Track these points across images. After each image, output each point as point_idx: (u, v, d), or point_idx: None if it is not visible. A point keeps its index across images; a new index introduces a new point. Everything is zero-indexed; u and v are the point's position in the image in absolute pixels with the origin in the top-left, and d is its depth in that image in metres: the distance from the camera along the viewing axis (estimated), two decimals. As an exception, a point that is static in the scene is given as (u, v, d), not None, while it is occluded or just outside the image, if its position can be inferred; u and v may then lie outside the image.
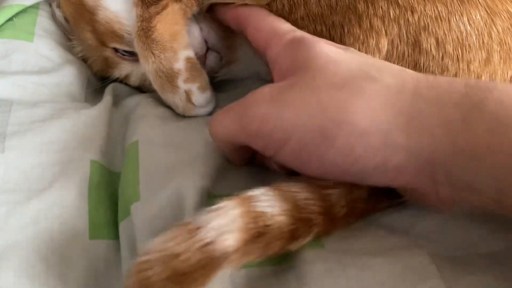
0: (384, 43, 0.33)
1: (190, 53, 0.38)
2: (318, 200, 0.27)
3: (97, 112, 0.39)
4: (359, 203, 0.29)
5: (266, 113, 0.28)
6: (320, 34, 0.35)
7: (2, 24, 0.44)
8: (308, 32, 0.35)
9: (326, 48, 0.30)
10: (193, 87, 0.38)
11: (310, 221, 0.27)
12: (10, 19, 0.45)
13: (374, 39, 0.33)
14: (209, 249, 0.23)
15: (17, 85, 0.39)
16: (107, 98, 0.42)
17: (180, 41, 0.38)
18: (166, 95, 0.39)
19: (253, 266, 0.28)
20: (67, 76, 0.43)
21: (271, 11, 0.37)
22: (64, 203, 0.33)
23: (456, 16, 0.32)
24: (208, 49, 0.41)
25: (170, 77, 0.38)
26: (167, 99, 0.39)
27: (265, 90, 0.29)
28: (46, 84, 0.41)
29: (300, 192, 0.27)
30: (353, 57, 0.29)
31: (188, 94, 0.38)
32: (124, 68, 0.44)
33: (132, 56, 0.43)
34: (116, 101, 0.43)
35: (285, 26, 0.34)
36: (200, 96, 0.38)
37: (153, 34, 0.37)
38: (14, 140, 0.34)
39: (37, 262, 0.30)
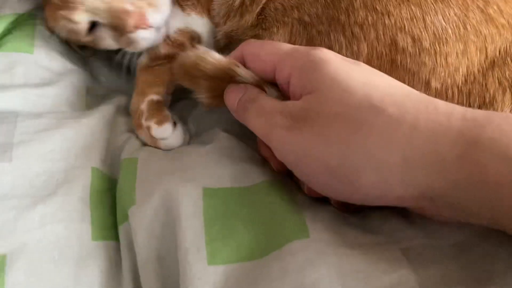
0: (364, 47, 0.38)
1: (155, 96, 0.46)
2: None
3: (96, 122, 0.45)
4: None
5: (284, 138, 0.33)
6: (311, 38, 0.40)
7: (2, 37, 0.49)
8: (301, 35, 0.40)
9: (333, 69, 0.32)
10: (151, 123, 0.45)
11: None
12: (9, 32, 0.50)
13: (356, 45, 0.38)
14: None
15: (21, 97, 0.45)
16: (108, 107, 0.48)
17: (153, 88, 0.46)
18: (138, 131, 0.47)
19: (242, 260, 0.32)
20: (67, 86, 0.49)
21: (263, 16, 0.43)
22: (67, 208, 0.38)
23: (431, 15, 0.37)
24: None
25: (138, 116, 0.46)
26: (139, 135, 0.47)
27: (283, 120, 0.33)
28: (47, 95, 0.47)
29: None
30: (359, 77, 0.32)
31: (148, 129, 0.45)
32: None
33: None
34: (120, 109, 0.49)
35: (286, 47, 0.36)
36: (157, 129, 0.45)
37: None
38: (20, 149, 0.40)
39: (44, 262, 0.35)
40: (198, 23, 0.48)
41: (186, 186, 0.37)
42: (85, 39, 0.47)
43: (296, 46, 0.36)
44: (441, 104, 0.30)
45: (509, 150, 0.26)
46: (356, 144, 0.30)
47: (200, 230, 0.34)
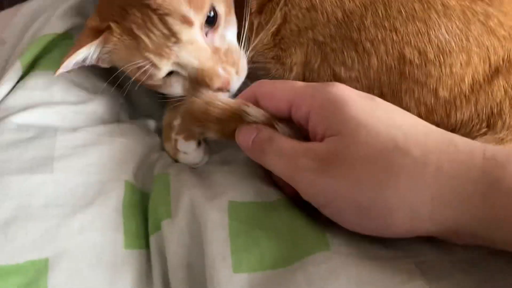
0: (374, 61, 0.41)
1: None
2: None
3: (129, 140, 0.49)
4: None
5: (312, 180, 0.34)
6: (326, 55, 0.44)
7: (42, 56, 0.54)
8: (316, 54, 0.44)
9: (355, 110, 0.34)
10: (179, 137, 0.49)
11: None
12: (49, 51, 0.54)
13: (367, 59, 0.41)
14: None
15: (60, 114, 0.49)
16: (140, 126, 0.52)
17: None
18: (165, 142, 0.51)
19: (266, 268, 0.35)
20: (101, 104, 0.53)
21: (279, 37, 0.46)
22: (103, 217, 0.42)
23: (435, 29, 0.39)
24: None
25: (169, 130, 0.50)
26: (165, 146, 0.51)
27: (309, 163, 0.34)
28: (83, 112, 0.51)
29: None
30: (381, 118, 0.34)
31: (175, 142, 0.49)
32: None
33: None
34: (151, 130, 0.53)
35: (299, 85, 0.38)
36: (183, 143, 0.48)
37: None
38: (61, 162, 0.44)
39: (83, 266, 0.38)
40: None
41: (213, 200, 0.40)
42: (155, 82, 0.48)
43: (309, 83, 0.38)
44: (460, 142, 0.32)
45: None
46: (388, 185, 0.32)
47: (226, 240, 0.37)
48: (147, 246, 0.42)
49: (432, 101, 0.40)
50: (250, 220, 0.39)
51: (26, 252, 0.38)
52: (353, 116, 0.34)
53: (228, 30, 0.48)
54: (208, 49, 0.46)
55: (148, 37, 0.45)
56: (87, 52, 0.48)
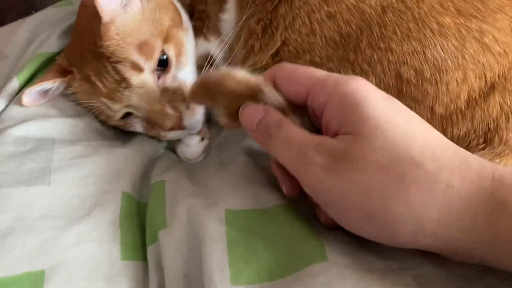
0: (372, 80, 0.42)
1: None
2: None
3: (127, 151, 0.49)
4: None
5: (320, 178, 0.33)
6: None
7: (38, 73, 0.55)
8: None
9: (375, 111, 0.33)
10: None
11: None
12: (44, 67, 0.56)
13: (365, 78, 0.41)
14: None
15: (57, 126, 0.50)
16: (137, 137, 0.52)
17: None
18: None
19: (264, 280, 0.35)
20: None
21: (278, 57, 0.47)
22: (100, 229, 0.42)
23: (430, 48, 0.40)
24: None
25: None
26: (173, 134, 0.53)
27: (319, 158, 0.33)
28: (81, 125, 0.52)
29: None
30: (400, 125, 0.33)
31: None
32: None
33: None
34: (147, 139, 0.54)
35: (321, 73, 0.37)
36: (186, 136, 0.52)
37: None
38: (58, 174, 0.44)
39: (79, 278, 0.38)
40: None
41: (210, 210, 0.40)
42: (115, 123, 0.52)
43: (331, 73, 0.37)
44: (472, 160, 0.32)
45: None
46: (397, 196, 0.31)
47: (224, 252, 0.37)
48: (144, 257, 0.42)
49: (428, 117, 0.40)
50: (248, 229, 0.39)
51: (22, 263, 0.38)
52: (372, 117, 0.32)
53: (181, 69, 0.51)
54: (157, 91, 0.49)
55: (102, 82, 0.48)
56: (50, 86, 0.52)
